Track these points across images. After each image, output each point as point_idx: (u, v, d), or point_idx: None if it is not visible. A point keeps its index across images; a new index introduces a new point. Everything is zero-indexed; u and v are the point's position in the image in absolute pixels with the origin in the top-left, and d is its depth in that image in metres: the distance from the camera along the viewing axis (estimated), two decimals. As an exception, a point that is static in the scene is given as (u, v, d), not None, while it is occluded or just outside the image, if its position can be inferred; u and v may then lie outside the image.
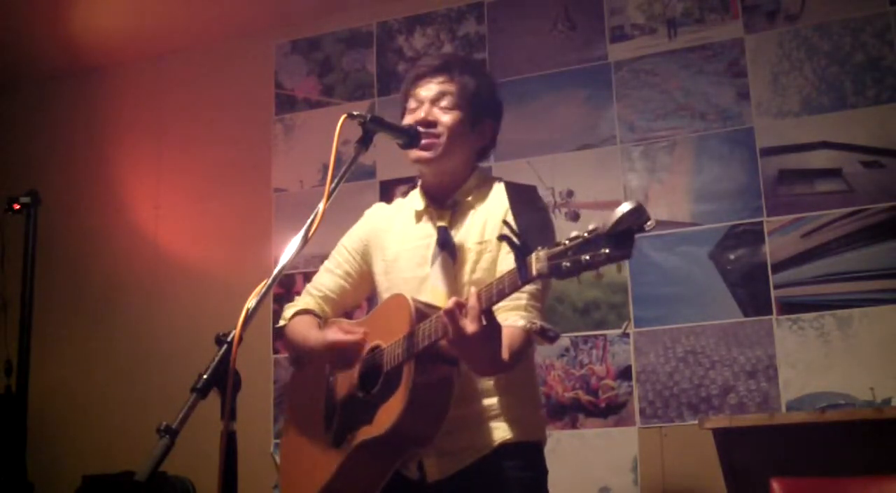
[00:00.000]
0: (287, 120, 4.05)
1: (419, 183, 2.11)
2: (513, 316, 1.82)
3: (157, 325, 4.01)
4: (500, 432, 1.88)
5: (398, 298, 1.88)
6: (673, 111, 3.39)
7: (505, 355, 1.71)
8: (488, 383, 1.90)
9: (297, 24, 4.10)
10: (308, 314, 2.11)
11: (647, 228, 1.33)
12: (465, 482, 1.85)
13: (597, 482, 3.17)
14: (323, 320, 2.11)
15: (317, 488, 1.90)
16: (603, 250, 1.35)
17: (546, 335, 1.81)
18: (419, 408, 1.74)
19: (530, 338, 1.82)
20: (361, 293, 2.18)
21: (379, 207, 2.22)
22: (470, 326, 1.58)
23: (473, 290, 1.62)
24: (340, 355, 1.92)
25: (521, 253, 1.49)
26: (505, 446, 1.87)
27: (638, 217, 1.32)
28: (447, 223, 1.98)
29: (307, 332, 2.02)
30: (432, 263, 1.94)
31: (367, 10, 3.97)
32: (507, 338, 1.74)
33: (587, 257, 1.37)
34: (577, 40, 3.60)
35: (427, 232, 2.01)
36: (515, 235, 1.51)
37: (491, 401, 1.89)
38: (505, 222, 1.55)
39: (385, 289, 2.04)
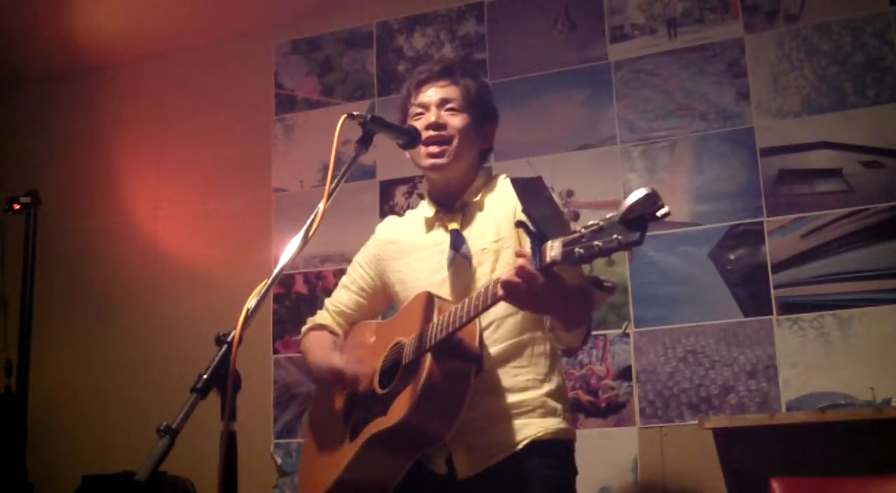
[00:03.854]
0: (287, 120, 4.05)
1: (426, 190, 2.13)
2: (565, 276, 1.84)
3: (157, 325, 4.01)
4: (531, 428, 1.88)
5: (420, 295, 1.93)
6: (673, 111, 3.39)
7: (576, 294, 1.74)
8: (517, 378, 1.91)
9: (297, 24, 4.09)
10: (322, 330, 2.20)
11: (659, 216, 1.33)
12: (495, 480, 1.85)
13: (597, 482, 3.17)
14: (341, 333, 2.20)
15: (331, 480, 1.92)
16: (615, 236, 1.36)
17: (603, 287, 1.81)
18: (431, 402, 1.75)
19: (590, 291, 1.83)
20: (378, 306, 2.23)
21: (389, 221, 2.25)
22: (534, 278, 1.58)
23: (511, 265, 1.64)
24: (340, 381, 1.98)
25: (538, 241, 1.51)
26: (535, 443, 1.87)
27: (651, 204, 1.33)
28: (458, 226, 2.00)
29: (314, 350, 2.11)
30: (448, 267, 1.96)
31: (367, 10, 3.97)
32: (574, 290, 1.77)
33: (599, 244, 1.38)
34: (577, 40, 3.60)
35: (440, 238, 2.03)
36: (534, 223, 1.52)
37: (522, 397, 1.90)
38: (525, 211, 1.56)
39: (405, 298, 2.06)
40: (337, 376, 1.97)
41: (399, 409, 1.78)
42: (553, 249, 1.48)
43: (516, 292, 1.61)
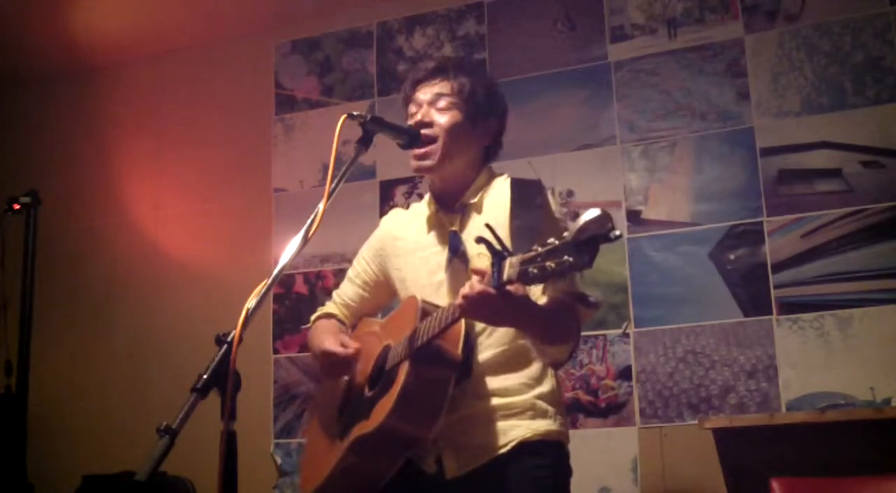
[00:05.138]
0: (287, 120, 4.05)
1: (429, 187, 2.13)
2: (550, 291, 1.85)
3: (157, 325, 4.01)
4: (520, 430, 1.87)
5: (409, 299, 1.93)
6: (673, 111, 3.39)
7: (546, 311, 1.76)
8: (508, 382, 1.91)
9: (297, 24, 4.10)
10: (330, 318, 2.20)
11: (612, 237, 1.33)
12: (483, 480, 1.85)
13: (597, 482, 3.17)
14: (347, 325, 2.20)
15: (322, 477, 1.94)
16: (566, 258, 1.37)
17: (586, 302, 1.81)
18: (408, 408, 1.76)
19: (573, 307, 1.82)
20: (382, 300, 2.23)
21: (394, 214, 2.24)
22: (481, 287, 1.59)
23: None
24: (333, 364, 1.98)
25: (498, 258, 1.53)
26: (524, 444, 1.86)
27: (601, 225, 1.33)
28: (457, 228, 2.00)
29: (318, 336, 2.10)
30: (446, 269, 1.96)
31: (367, 10, 3.97)
32: (553, 302, 1.80)
33: (552, 265, 1.40)
34: (577, 40, 3.60)
35: (439, 238, 2.02)
36: (497, 239, 1.53)
37: (512, 399, 1.89)
38: (487, 226, 1.57)
39: (404, 297, 2.07)
40: (326, 358, 1.97)
41: (378, 414, 1.79)
42: (511, 267, 1.49)
43: (472, 308, 1.62)
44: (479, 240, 1.56)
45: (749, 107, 3.29)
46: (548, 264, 1.40)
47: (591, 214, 1.34)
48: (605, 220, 1.33)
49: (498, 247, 1.54)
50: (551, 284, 1.81)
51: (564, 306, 1.82)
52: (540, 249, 1.43)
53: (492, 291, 1.56)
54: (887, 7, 3.19)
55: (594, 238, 1.34)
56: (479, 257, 1.93)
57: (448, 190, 2.04)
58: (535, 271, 1.42)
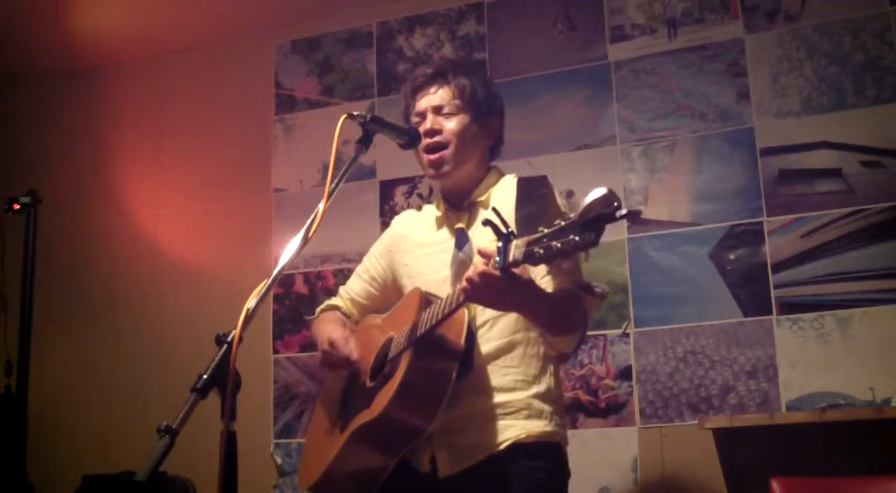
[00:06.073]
0: (287, 120, 4.05)
1: (438, 188, 2.15)
2: (556, 282, 1.86)
3: (157, 325, 4.01)
4: (514, 430, 1.88)
5: (412, 291, 1.97)
6: (673, 111, 3.39)
7: (549, 301, 1.77)
8: (506, 378, 1.90)
9: (297, 24, 4.09)
10: (334, 311, 2.23)
11: (618, 216, 1.34)
12: (476, 479, 1.85)
13: (597, 482, 3.17)
14: (352, 320, 2.22)
15: (321, 471, 1.95)
16: (572, 237, 1.37)
17: (592, 291, 1.82)
18: (409, 397, 1.77)
19: (578, 297, 1.83)
20: (389, 297, 2.24)
21: (406, 215, 2.28)
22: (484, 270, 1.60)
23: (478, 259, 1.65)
24: (334, 356, 2.00)
25: (504, 240, 1.54)
26: (518, 445, 1.86)
27: (607, 204, 1.34)
28: (465, 225, 2.02)
29: (325, 326, 2.12)
30: (451, 265, 1.97)
31: (367, 10, 3.97)
32: (558, 292, 1.81)
33: (558, 244, 1.41)
34: (577, 40, 3.60)
35: (446, 236, 2.06)
36: (503, 222, 1.54)
37: (508, 397, 1.90)
38: (494, 209, 1.58)
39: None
40: (333, 348, 1.99)
41: (380, 403, 1.80)
42: (517, 248, 1.50)
43: (476, 291, 1.62)
44: (486, 223, 1.56)
45: (749, 107, 3.29)
46: (553, 243, 1.41)
47: (597, 193, 1.34)
48: (611, 198, 1.34)
49: (504, 229, 1.54)
50: (556, 265, 1.81)
51: (569, 294, 1.82)
52: (546, 229, 1.44)
53: (496, 273, 1.57)
54: (887, 7, 3.18)
55: (600, 217, 1.35)
56: None
57: (458, 190, 2.07)
58: (541, 251, 1.43)
